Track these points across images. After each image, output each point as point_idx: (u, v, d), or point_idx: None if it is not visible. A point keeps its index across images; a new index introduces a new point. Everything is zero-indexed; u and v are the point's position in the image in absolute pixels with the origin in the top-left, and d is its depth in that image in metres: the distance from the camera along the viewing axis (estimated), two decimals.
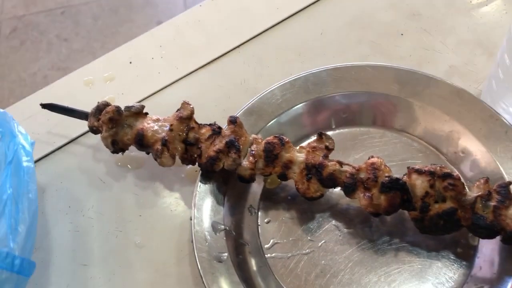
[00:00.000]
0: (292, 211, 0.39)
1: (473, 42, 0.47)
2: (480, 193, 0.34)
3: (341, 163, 0.37)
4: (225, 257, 0.35)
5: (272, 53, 0.49)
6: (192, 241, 0.36)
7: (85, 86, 0.48)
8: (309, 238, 0.38)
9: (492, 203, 0.33)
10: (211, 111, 0.44)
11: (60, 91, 0.48)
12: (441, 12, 0.49)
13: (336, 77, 0.42)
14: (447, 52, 0.47)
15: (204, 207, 0.37)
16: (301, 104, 0.42)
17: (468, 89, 0.41)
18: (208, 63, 0.49)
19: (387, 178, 0.34)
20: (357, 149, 0.41)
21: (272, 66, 0.48)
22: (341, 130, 0.42)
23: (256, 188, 0.40)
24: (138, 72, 0.49)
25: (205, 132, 0.38)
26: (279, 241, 0.38)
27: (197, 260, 0.35)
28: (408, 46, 0.47)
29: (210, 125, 0.39)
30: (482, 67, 0.45)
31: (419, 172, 0.34)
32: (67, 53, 1.61)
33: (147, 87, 0.47)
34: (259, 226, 0.38)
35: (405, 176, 0.35)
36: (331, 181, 0.36)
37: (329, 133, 0.41)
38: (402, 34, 0.48)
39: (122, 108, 0.40)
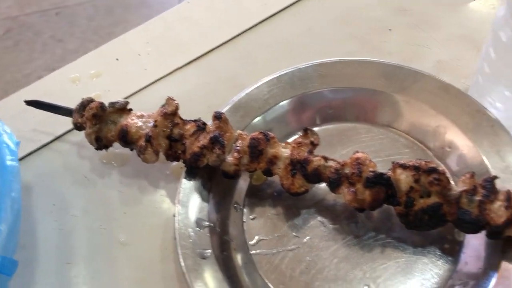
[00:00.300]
0: (277, 208, 0.39)
1: (461, 37, 0.47)
2: (465, 188, 0.33)
3: (326, 159, 0.36)
4: (208, 254, 0.35)
5: (260, 49, 0.48)
6: (175, 238, 0.35)
7: (72, 83, 0.48)
8: (294, 234, 0.37)
9: (477, 197, 0.33)
10: (198, 107, 0.44)
11: (46, 88, 0.48)
12: (429, 8, 0.49)
13: (323, 72, 0.42)
14: (436, 47, 0.47)
15: (188, 203, 0.37)
16: (287, 100, 0.41)
17: (456, 84, 0.41)
18: (195, 59, 0.48)
19: (371, 173, 0.34)
20: (344, 145, 0.40)
21: (260, 62, 0.48)
22: (328, 126, 0.41)
23: (242, 184, 0.40)
24: (125, 69, 0.48)
25: (190, 128, 0.38)
26: (264, 238, 0.37)
27: (180, 257, 0.34)
28: (396, 42, 0.47)
29: (195, 121, 0.38)
30: (470, 62, 0.45)
31: (404, 167, 0.34)
32: (62, 54, 1.60)
33: (133, 83, 0.47)
34: (244, 223, 0.38)
35: (390, 171, 0.35)
36: (315, 176, 0.36)
37: (315, 128, 0.40)
38: (390, 30, 0.48)
39: (107, 105, 0.39)
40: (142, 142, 0.37)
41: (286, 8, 0.50)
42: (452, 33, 0.47)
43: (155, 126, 0.38)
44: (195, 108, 0.43)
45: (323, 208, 0.38)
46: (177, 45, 0.50)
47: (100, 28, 1.67)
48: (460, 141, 0.38)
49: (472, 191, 0.33)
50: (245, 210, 0.39)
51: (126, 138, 0.38)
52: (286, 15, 0.50)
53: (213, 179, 0.38)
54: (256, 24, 0.50)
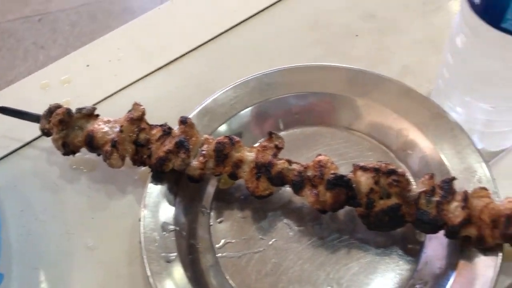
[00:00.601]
0: (245, 211, 0.39)
1: (426, 42, 0.48)
2: (424, 189, 0.34)
3: (290, 162, 0.37)
4: (174, 257, 0.35)
5: (230, 55, 0.49)
6: (140, 242, 0.36)
7: (41, 90, 0.48)
8: (260, 237, 0.38)
9: (436, 198, 0.34)
10: (168, 113, 0.44)
11: (16, 95, 0.48)
12: (396, 14, 0.50)
13: (289, 78, 0.43)
14: (401, 52, 0.48)
15: (154, 208, 0.37)
16: (254, 105, 0.42)
17: (419, 88, 0.42)
18: (166, 65, 0.49)
19: (332, 175, 0.35)
20: (309, 148, 0.41)
21: (229, 67, 0.48)
22: (293, 130, 0.42)
23: (209, 188, 0.40)
24: (95, 75, 0.49)
25: (156, 133, 0.38)
26: (230, 241, 0.38)
27: (145, 261, 0.35)
28: (363, 47, 0.48)
29: (161, 126, 0.39)
30: (434, 67, 0.46)
31: (364, 169, 0.35)
32: (44, 61, 1.59)
33: (103, 89, 0.47)
34: (211, 226, 0.39)
35: (351, 173, 0.36)
36: (279, 179, 0.37)
37: (281, 133, 0.41)
38: (357, 35, 0.49)
39: (75, 111, 0.40)
40: (108, 147, 0.38)
41: (256, 15, 0.51)
42: (418, 38, 0.48)
43: (121, 131, 0.38)
44: (165, 113, 0.43)
45: (289, 211, 0.39)
46: (147, 51, 0.50)
47: (83, 34, 1.66)
48: (421, 143, 0.39)
49: (430, 192, 0.34)
50: (212, 213, 0.39)
51: (92, 143, 0.39)
52: (256, 22, 0.51)
53: (180, 183, 0.39)
54: (226, 31, 0.50)
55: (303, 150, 0.41)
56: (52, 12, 1.76)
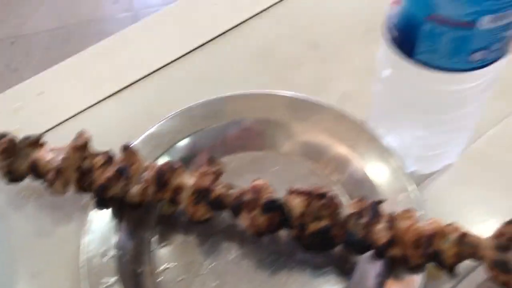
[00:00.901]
0: (187, 235, 0.40)
1: (365, 70, 0.50)
2: (353, 211, 0.36)
3: (229, 187, 0.38)
4: (113, 282, 0.36)
5: (179, 83, 0.51)
6: (81, 268, 0.36)
7: None
8: (201, 261, 0.39)
9: (364, 220, 0.36)
10: (117, 139, 0.45)
11: None
12: (338, 42, 0.53)
13: (232, 105, 0.45)
14: (343, 79, 0.50)
15: (96, 233, 0.38)
16: (197, 132, 0.44)
17: (357, 114, 0.44)
18: (117, 92, 0.50)
19: (266, 200, 0.36)
20: (251, 173, 0.42)
21: (178, 95, 0.50)
22: (236, 155, 0.44)
23: (154, 213, 0.41)
24: (48, 102, 0.50)
25: (99, 160, 0.39)
26: (172, 265, 0.39)
27: (84, 286, 0.35)
28: (306, 75, 0.50)
29: (104, 153, 0.40)
30: (371, 94, 0.48)
31: (298, 192, 0.37)
32: (17, 84, 1.59)
33: (55, 117, 0.48)
34: (153, 251, 0.39)
35: (286, 196, 0.37)
36: (218, 204, 0.38)
37: (225, 157, 0.43)
38: (301, 64, 0.51)
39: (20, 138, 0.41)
40: (51, 175, 0.39)
41: (205, 44, 0.53)
42: (358, 66, 0.51)
43: (65, 159, 0.39)
44: (115, 140, 0.44)
45: (230, 234, 0.40)
46: (100, 78, 0.51)
47: (57, 56, 1.66)
48: (355, 166, 0.41)
49: (359, 214, 0.36)
50: (156, 238, 0.40)
51: (36, 171, 0.39)
52: (205, 51, 0.53)
53: (123, 209, 0.40)
54: (177, 59, 0.52)
55: (245, 174, 0.42)
56: (25, 35, 1.76)
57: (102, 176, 0.39)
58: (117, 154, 0.40)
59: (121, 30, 0.57)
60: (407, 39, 0.32)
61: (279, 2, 0.57)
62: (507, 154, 0.44)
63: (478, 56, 0.30)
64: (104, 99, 0.50)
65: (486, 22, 0.28)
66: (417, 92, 0.35)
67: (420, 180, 0.42)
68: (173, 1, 0.60)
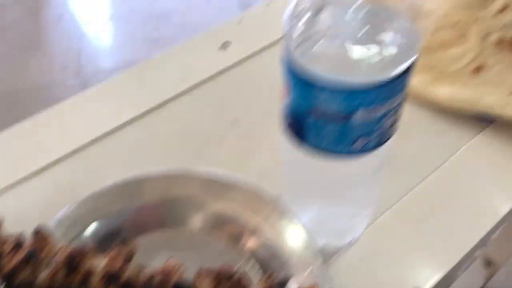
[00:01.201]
0: None
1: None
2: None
3: (140, 268, 0.39)
4: None
5: (102, 162, 0.52)
6: None
7: None
8: None
9: None
10: (38, 221, 0.45)
11: None
12: (258, 119, 0.56)
13: (149, 184, 0.46)
14: (261, 156, 0.52)
15: None
16: (114, 213, 0.44)
17: (274, 190, 0.46)
18: (39, 171, 0.50)
19: (176, 281, 0.37)
20: (167, 251, 0.43)
21: (101, 175, 0.50)
22: (151, 234, 0.44)
23: None
24: None
25: (9, 244, 0.39)
26: None
27: None
28: (228, 152, 0.53)
29: (15, 237, 0.40)
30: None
31: (207, 273, 0.37)
32: None
33: None
34: None
35: (194, 278, 0.38)
36: (128, 286, 0.38)
37: (139, 237, 0.43)
38: (222, 140, 0.54)
39: None
40: None
41: (129, 121, 0.55)
42: (278, 142, 0.53)
43: None
44: (36, 221, 0.44)
45: None
46: (22, 156, 0.52)
47: (2, 120, 1.64)
48: (269, 242, 0.43)
49: None
50: None
51: None
52: (129, 129, 0.54)
53: None
54: (100, 136, 0.53)
55: (160, 253, 0.43)
56: None
57: (11, 261, 0.38)
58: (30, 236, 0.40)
59: (71, 94, 0.58)
60: (297, 127, 0.35)
61: (204, 80, 0.60)
62: (412, 226, 0.47)
63: (360, 143, 0.33)
64: (25, 177, 0.50)
65: (360, 115, 0.31)
66: (314, 173, 0.38)
67: (330, 254, 0.44)
68: (123, 67, 0.62)
